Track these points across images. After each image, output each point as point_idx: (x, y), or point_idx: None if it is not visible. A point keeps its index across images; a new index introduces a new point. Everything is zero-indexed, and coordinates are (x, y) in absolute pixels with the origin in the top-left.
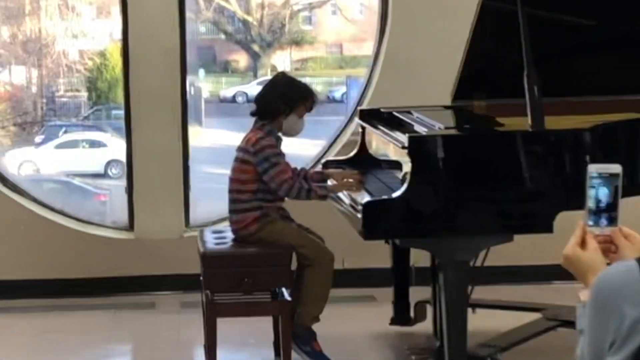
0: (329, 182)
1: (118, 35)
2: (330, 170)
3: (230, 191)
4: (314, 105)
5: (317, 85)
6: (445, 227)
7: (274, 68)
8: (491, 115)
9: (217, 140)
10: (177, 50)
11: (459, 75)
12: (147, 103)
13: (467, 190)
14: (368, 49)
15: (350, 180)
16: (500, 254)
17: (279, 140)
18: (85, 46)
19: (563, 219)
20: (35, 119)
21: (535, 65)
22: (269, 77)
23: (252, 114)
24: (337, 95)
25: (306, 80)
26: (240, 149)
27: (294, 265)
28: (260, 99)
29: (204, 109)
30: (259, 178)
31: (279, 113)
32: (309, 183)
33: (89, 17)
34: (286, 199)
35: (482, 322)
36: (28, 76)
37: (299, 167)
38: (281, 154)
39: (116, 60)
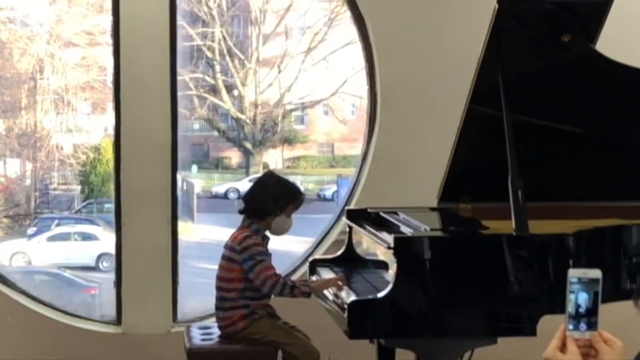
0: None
1: (112, 130)
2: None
3: (217, 288)
4: (301, 204)
5: (309, 183)
6: (431, 328)
7: (265, 165)
8: (477, 218)
9: (208, 236)
10: (169, 147)
11: (445, 177)
12: (138, 198)
13: (452, 292)
14: (359, 148)
15: (336, 279)
16: (483, 354)
17: (265, 238)
18: (80, 140)
19: (546, 320)
20: (28, 211)
21: (520, 169)
22: (260, 174)
23: (241, 212)
24: (328, 193)
25: (297, 178)
26: (227, 246)
27: None
28: (249, 198)
29: (196, 204)
30: (246, 276)
31: (268, 213)
32: (293, 281)
33: (84, 112)
34: (272, 296)
35: None
36: (22, 169)
37: (284, 274)
38: (267, 253)
39: (110, 155)
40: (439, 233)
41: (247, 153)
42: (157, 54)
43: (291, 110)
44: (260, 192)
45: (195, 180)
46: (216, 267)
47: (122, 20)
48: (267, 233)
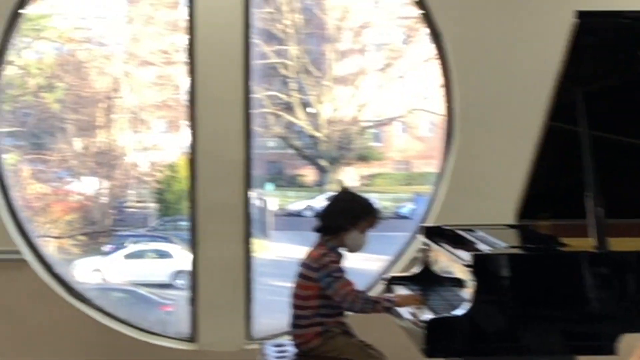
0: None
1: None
2: (395, 294)
3: (293, 306)
4: (377, 222)
5: (385, 201)
6: (509, 346)
7: (341, 183)
8: (556, 235)
9: (283, 253)
10: (242, 165)
11: (523, 194)
12: (212, 216)
13: (530, 310)
14: (436, 166)
15: (417, 296)
16: None
17: (340, 256)
18: (155, 158)
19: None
20: (104, 228)
21: (600, 185)
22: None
23: (315, 230)
24: (405, 211)
25: (373, 196)
26: (303, 264)
27: None
28: (323, 215)
29: (271, 222)
30: (322, 294)
31: (341, 229)
32: (373, 296)
33: (160, 130)
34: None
35: None
36: (99, 187)
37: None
38: (344, 270)
39: (185, 172)
40: (517, 250)
41: (322, 170)
42: (232, 72)
43: (367, 128)
44: (334, 208)
45: (270, 198)
46: (291, 285)
47: (196, 38)
48: (342, 250)
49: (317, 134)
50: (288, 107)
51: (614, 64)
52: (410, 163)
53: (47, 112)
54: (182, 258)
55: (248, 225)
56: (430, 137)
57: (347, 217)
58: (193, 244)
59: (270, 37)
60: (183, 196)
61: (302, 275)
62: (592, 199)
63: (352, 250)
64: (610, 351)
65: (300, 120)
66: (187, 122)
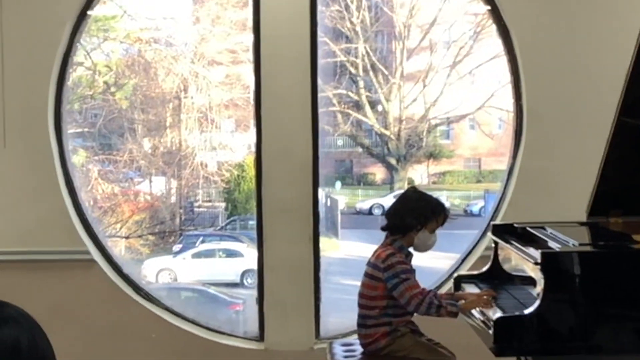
0: (461, 301)
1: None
2: (462, 292)
3: (360, 306)
4: (445, 220)
5: (455, 199)
6: (579, 345)
7: (410, 181)
8: (628, 232)
9: (352, 252)
10: (310, 163)
11: (594, 191)
12: (280, 214)
13: (601, 308)
14: (507, 163)
15: (484, 297)
16: None
17: (409, 255)
18: (224, 158)
19: None
20: (173, 228)
21: None
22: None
23: (383, 229)
24: (475, 209)
25: (443, 193)
26: (369, 264)
27: None
28: (391, 214)
29: (340, 221)
30: (389, 294)
31: (409, 228)
32: (439, 299)
33: (228, 130)
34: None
35: None
36: (167, 187)
37: (428, 288)
38: (411, 270)
39: (253, 172)
40: (588, 248)
41: (391, 169)
42: (298, 70)
43: (436, 125)
44: (402, 207)
45: (339, 197)
46: (357, 283)
47: (263, 37)
48: (411, 249)
49: (385, 132)
50: (356, 106)
51: None
52: (480, 160)
53: (116, 112)
54: (251, 257)
55: (316, 224)
56: (500, 134)
57: (416, 217)
58: (260, 243)
59: (339, 35)
60: (251, 195)
61: (368, 275)
62: None
63: (420, 250)
64: None
65: (369, 118)
66: (254, 121)
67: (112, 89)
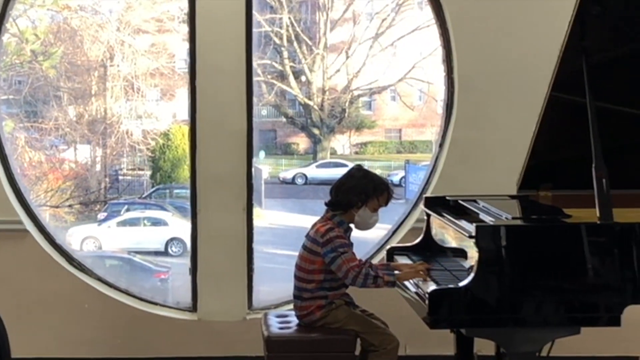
0: (397, 272)
1: (181, 116)
2: (397, 263)
3: (297, 278)
4: (389, 200)
5: (376, 169)
6: (512, 318)
7: (333, 151)
8: (558, 206)
9: (276, 221)
10: (244, 133)
11: (525, 165)
12: (213, 185)
13: (533, 282)
14: (427, 134)
15: (420, 269)
16: (566, 345)
17: (348, 230)
18: (149, 127)
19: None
20: (99, 197)
21: (603, 157)
22: (328, 160)
23: (326, 204)
24: (395, 179)
25: (365, 163)
26: (309, 237)
27: (357, 351)
28: (334, 190)
29: (264, 190)
30: (326, 269)
31: (350, 205)
32: (376, 270)
33: (154, 98)
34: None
35: None
36: (92, 155)
37: (363, 259)
38: (349, 244)
39: (179, 140)
40: (521, 222)
41: (314, 139)
42: (233, 40)
43: (359, 96)
44: (345, 184)
45: (262, 166)
46: (284, 252)
47: (198, 7)
48: (351, 225)
49: (309, 102)
50: (281, 76)
51: (619, 34)
52: (401, 131)
53: (42, 79)
54: (175, 226)
55: (250, 194)
56: (421, 105)
57: (357, 194)
58: (194, 213)
59: (264, 6)
60: (177, 164)
61: (307, 249)
62: (596, 170)
63: (360, 227)
64: (614, 322)
65: (293, 89)
66: (188, 91)
67: (40, 58)
